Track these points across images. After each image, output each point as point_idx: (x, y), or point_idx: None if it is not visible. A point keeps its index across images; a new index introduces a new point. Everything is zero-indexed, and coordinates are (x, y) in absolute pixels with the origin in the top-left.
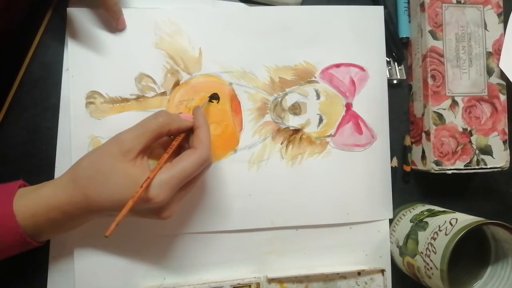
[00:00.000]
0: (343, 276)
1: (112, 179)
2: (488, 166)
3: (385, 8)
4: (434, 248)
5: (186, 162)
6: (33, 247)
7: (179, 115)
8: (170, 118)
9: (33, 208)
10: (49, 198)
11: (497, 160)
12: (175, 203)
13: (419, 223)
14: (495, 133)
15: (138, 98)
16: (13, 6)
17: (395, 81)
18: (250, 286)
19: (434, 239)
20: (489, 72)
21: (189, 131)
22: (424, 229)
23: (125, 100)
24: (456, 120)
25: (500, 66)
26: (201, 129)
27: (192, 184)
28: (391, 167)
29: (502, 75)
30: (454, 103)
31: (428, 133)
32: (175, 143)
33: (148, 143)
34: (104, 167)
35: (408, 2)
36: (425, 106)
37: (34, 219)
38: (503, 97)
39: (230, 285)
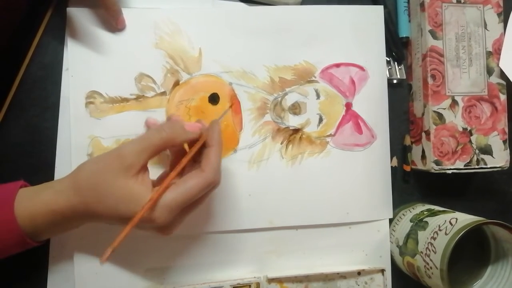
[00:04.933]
0: (343, 276)
1: (113, 194)
2: (488, 166)
3: (385, 8)
4: (434, 247)
5: (190, 184)
6: (32, 247)
7: (185, 125)
8: (175, 132)
9: (34, 211)
10: (49, 203)
11: (497, 160)
12: (178, 222)
13: (419, 223)
14: (495, 132)
15: (138, 98)
16: (12, 6)
17: (395, 81)
18: (250, 286)
19: (434, 238)
20: (489, 71)
21: (202, 146)
22: (424, 229)
23: (125, 100)
24: (456, 119)
25: (500, 65)
26: (213, 148)
27: (197, 204)
28: (391, 167)
29: (502, 75)
30: (454, 103)
31: (428, 133)
32: (181, 164)
33: (150, 158)
34: (105, 181)
35: (408, 2)
36: (425, 106)
37: (34, 221)
38: (503, 97)
39: (230, 285)
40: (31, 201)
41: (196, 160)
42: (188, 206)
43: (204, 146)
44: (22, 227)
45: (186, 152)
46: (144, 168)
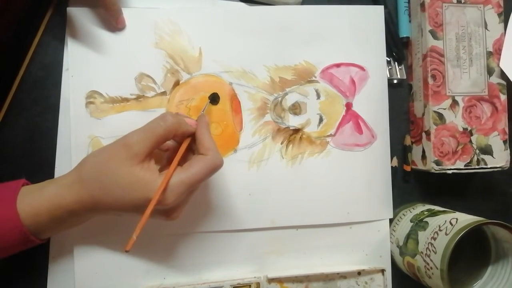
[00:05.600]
0: (343, 276)
1: (120, 182)
2: (488, 166)
3: (385, 8)
4: (434, 248)
5: (197, 168)
6: (35, 245)
7: (185, 120)
8: (178, 123)
9: (37, 207)
10: (53, 198)
11: (497, 160)
12: (183, 205)
13: (419, 223)
14: (495, 132)
15: (138, 98)
16: (12, 6)
17: (395, 81)
18: (250, 286)
19: (434, 239)
20: (490, 71)
21: (193, 136)
22: (424, 229)
23: (125, 100)
24: (456, 119)
25: (500, 65)
26: (204, 136)
27: (197, 186)
28: (391, 167)
29: (503, 75)
30: (455, 103)
31: (428, 133)
32: (183, 148)
33: (154, 147)
34: (111, 170)
35: (409, 2)
36: (425, 106)
37: (37, 218)
38: (503, 97)
39: (230, 285)
40: (33, 198)
41: (186, 157)
42: (194, 189)
43: (193, 140)
44: (25, 224)
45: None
46: (149, 156)
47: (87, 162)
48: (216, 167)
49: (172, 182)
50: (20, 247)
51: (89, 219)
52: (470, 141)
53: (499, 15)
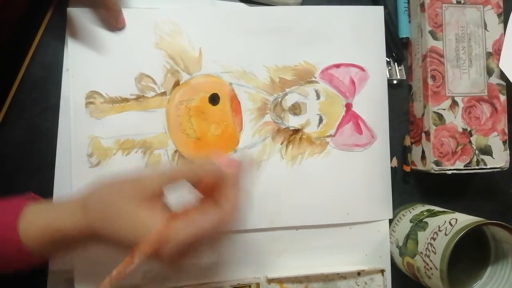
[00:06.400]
0: (343, 276)
1: (122, 219)
2: (488, 166)
3: (385, 8)
4: (434, 248)
5: (204, 219)
6: (34, 265)
7: (212, 157)
8: (195, 170)
9: (36, 229)
10: (54, 221)
11: (497, 160)
12: (185, 260)
13: (419, 223)
14: (495, 133)
15: (138, 98)
16: (12, 6)
17: (395, 81)
18: (250, 286)
19: (434, 239)
20: (489, 72)
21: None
22: (424, 229)
23: (125, 100)
24: (456, 120)
25: (500, 66)
26: (229, 186)
27: (205, 244)
28: (391, 167)
29: (502, 76)
30: (454, 103)
31: (428, 133)
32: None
33: (166, 185)
34: (115, 205)
35: (408, 2)
36: (425, 106)
37: (37, 239)
38: (503, 98)
39: (230, 285)
40: (36, 219)
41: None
42: (197, 243)
43: (223, 183)
44: (27, 245)
45: (213, 188)
46: (159, 195)
47: (95, 193)
48: (226, 224)
49: (177, 235)
50: (23, 266)
51: (90, 246)
52: (470, 142)
53: (499, 15)
